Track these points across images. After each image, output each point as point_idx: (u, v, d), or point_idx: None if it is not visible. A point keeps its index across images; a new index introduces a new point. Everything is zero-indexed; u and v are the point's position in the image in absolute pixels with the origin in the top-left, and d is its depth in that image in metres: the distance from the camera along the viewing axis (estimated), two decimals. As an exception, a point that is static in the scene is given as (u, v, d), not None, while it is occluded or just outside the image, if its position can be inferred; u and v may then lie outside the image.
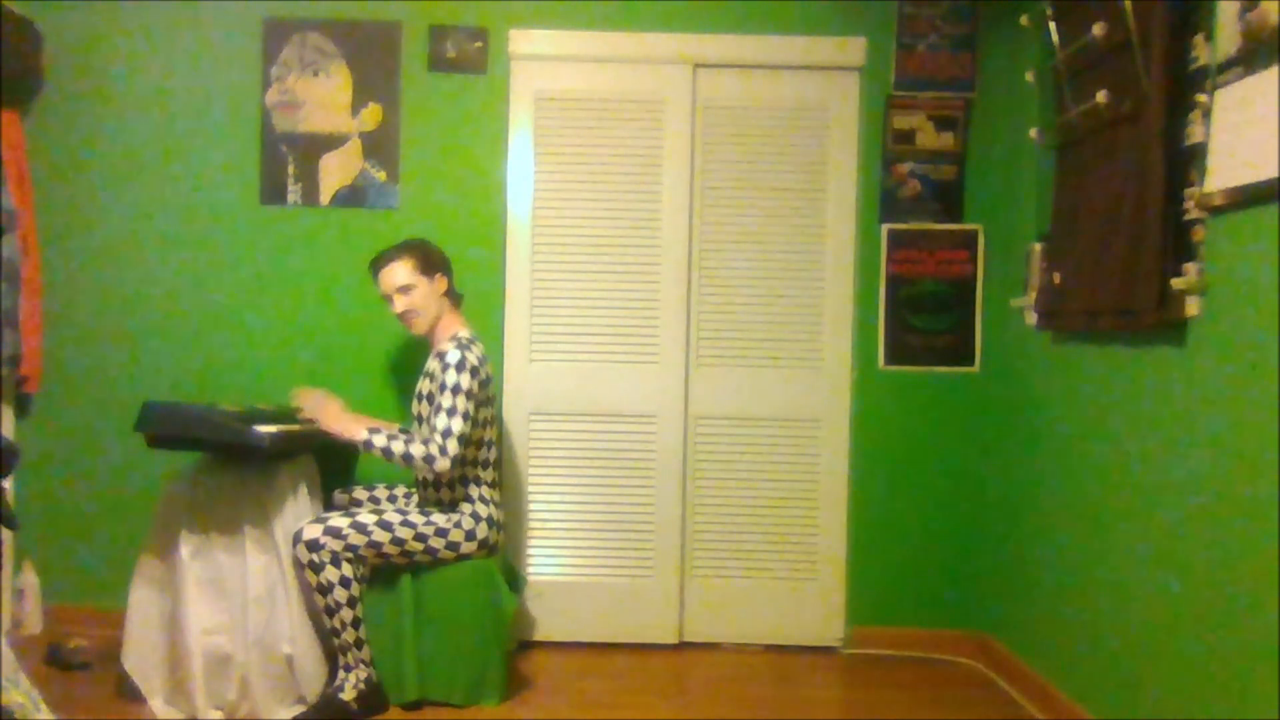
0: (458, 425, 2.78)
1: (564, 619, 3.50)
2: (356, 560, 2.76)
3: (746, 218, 3.49)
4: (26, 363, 3.32)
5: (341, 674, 2.79)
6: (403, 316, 2.96)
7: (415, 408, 2.98)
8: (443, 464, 2.75)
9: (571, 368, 3.49)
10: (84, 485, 3.47)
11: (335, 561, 2.72)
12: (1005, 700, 3.09)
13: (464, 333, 2.98)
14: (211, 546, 2.76)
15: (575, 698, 3.00)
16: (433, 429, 2.78)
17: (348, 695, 2.76)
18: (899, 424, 3.49)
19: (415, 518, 2.83)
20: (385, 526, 2.78)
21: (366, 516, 2.78)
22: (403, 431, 2.89)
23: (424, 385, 2.94)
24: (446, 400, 2.79)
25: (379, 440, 2.75)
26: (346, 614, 2.75)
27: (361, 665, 2.79)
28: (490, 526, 2.94)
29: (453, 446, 2.76)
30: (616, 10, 3.46)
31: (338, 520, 2.74)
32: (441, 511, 2.89)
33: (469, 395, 2.81)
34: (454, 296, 3.06)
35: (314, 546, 2.70)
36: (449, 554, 2.87)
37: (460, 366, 2.82)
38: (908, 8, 3.43)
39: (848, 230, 3.49)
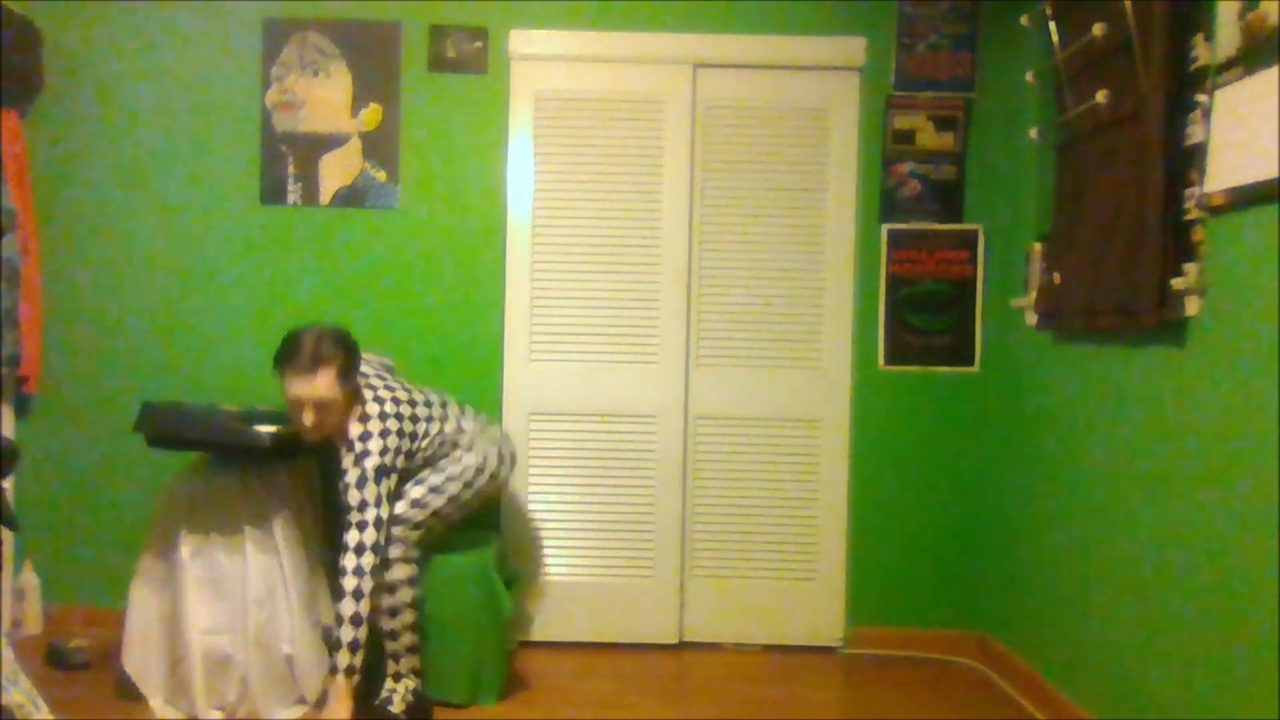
0: (370, 536, 2.60)
1: (564, 619, 3.50)
2: (417, 543, 2.75)
3: (746, 217, 3.49)
4: (26, 363, 3.32)
5: (390, 684, 2.74)
6: (307, 431, 2.67)
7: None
8: (370, 562, 2.59)
9: (571, 368, 3.49)
10: (84, 485, 3.47)
11: (406, 559, 2.71)
12: (1005, 700, 3.09)
13: (367, 415, 2.69)
14: (211, 546, 2.76)
15: (575, 698, 3.00)
16: (345, 548, 2.60)
17: (398, 708, 2.73)
18: (899, 424, 3.49)
19: (453, 469, 2.84)
20: (437, 490, 2.78)
21: (416, 490, 2.77)
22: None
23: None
24: (354, 516, 2.60)
25: (346, 652, 2.55)
26: (409, 616, 2.73)
27: (411, 675, 2.76)
28: (500, 461, 2.97)
29: (368, 560, 2.59)
30: (616, 10, 3.46)
31: (396, 508, 2.73)
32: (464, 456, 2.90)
33: (377, 505, 2.63)
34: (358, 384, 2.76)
35: (388, 540, 2.69)
36: (491, 485, 2.93)
37: (361, 483, 2.62)
38: (908, 8, 3.43)
39: (848, 230, 3.49)
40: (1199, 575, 2.18)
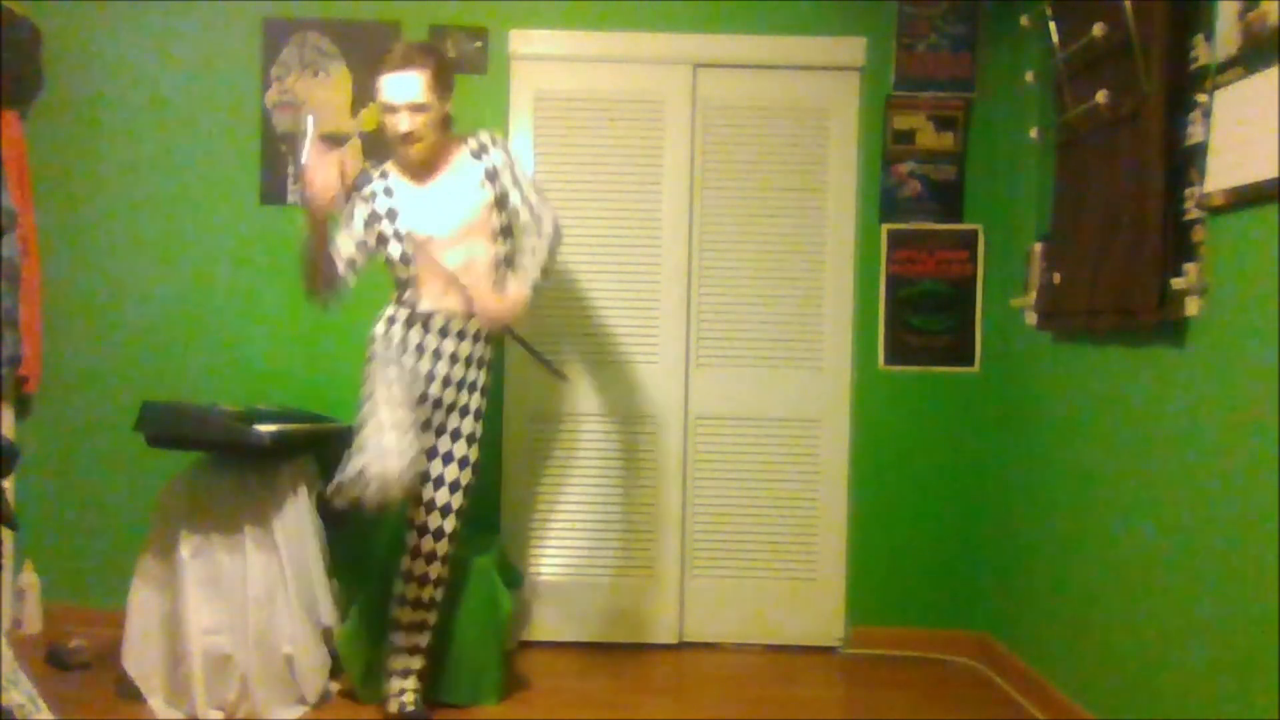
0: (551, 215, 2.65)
1: (564, 619, 3.50)
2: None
3: (746, 218, 3.49)
4: (26, 363, 3.32)
5: (404, 684, 2.71)
6: (404, 138, 2.54)
7: (492, 222, 2.66)
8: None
9: (572, 368, 3.49)
10: (84, 485, 3.47)
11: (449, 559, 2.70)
12: (1005, 700, 3.09)
13: (481, 140, 2.69)
14: (211, 546, 2.76)
15: (575, 698, 3.00)
16: (539, 217, 2.60)
17: (420, 708, 2.71)
18: (899, 424, 3.49)
19: (472, 424, 2.71)
20: (464, 464, 2.68)
21: (452, 470, 2.67)
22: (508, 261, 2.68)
23: (493, 190, 2.65)
24: (529, 192, 2.64)
25: (535, 276, 2.57)
26: (437, 616, 2.74)
27: (420, 676, 2.75)
28: None
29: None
30: (616, 10, 3.46)
31: (446, 498, 2.65)
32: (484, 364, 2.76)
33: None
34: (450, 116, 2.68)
35: (452, 538, 2.66)
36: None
37: (515, 161, 2.67)
38: (908, 8, 3.43)
39: (848, 230, 3.49)
40: (1199, 574, 2.18)
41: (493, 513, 3.47)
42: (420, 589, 2.66)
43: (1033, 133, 3.06)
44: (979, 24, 3.44)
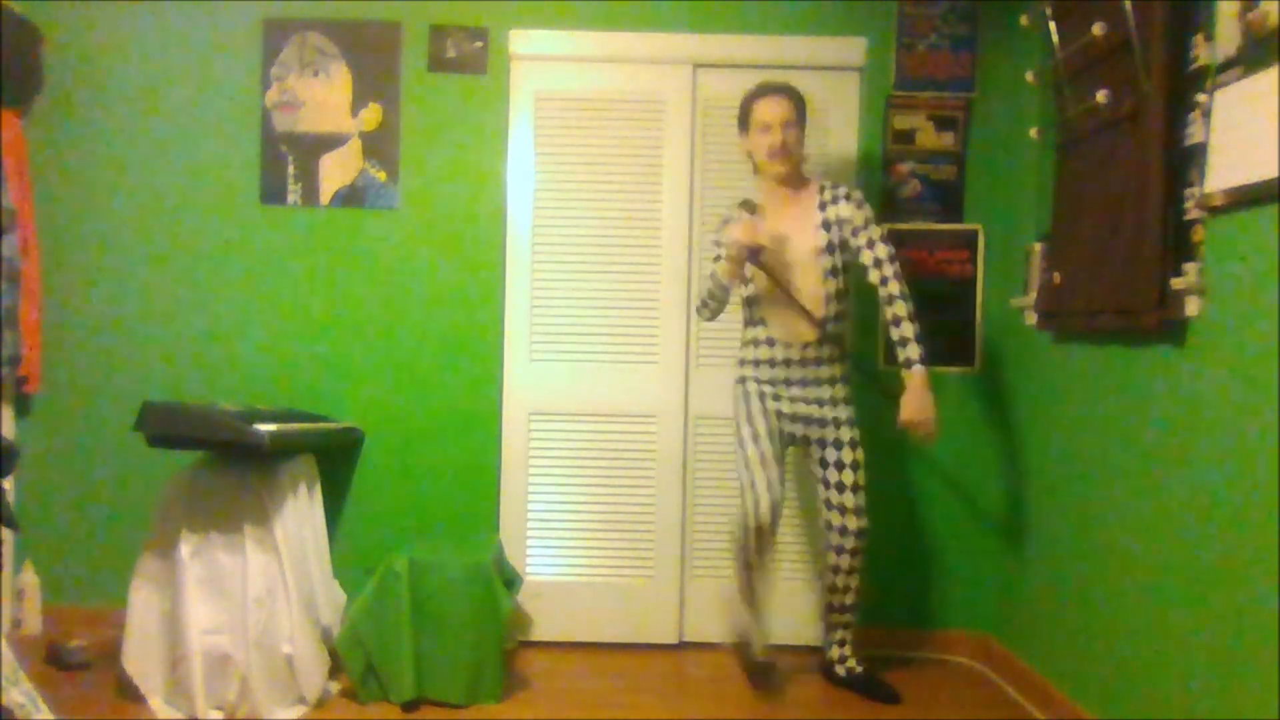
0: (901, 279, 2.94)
1: (564, 619, 3.50)
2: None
3: (746, 218, 3.49)
4: (26, 363, 3.32)
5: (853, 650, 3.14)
6: (780, 149, 2.92)
7: (821, 261, 2.95)
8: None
9: (571, 368, 3.49)
10: (84, 485, 3.47)
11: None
12: (1005, 700, 3.09)
13: (838, 184, 3.04)
14: (211, 546, 2.76)
15: (575, 698, 3.00)
16: (882, 260, 2.91)
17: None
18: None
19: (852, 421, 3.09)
20: (854, 467, 3.05)
21: (847, 475, 3.04)
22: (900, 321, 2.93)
23: (829, 236, 2.96)
24: (875, 231, 2.94)
25: (918, 348, 2.92)
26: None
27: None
28: None
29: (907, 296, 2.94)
30: (616, 10, 3.46)
31: (850, 498, 3.02)
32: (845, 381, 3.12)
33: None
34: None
35: (861, 531, 3.02)
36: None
37: (865, 199, 3.02)
38: (908, 8, 3.43)
39: (848, 230, 3.49)
40: (1199, 574, 2.18)
41: (491, 512, 3.47)
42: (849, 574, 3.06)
43: (1033, 133, 3.06)
44: (979, 24, 3.44)
